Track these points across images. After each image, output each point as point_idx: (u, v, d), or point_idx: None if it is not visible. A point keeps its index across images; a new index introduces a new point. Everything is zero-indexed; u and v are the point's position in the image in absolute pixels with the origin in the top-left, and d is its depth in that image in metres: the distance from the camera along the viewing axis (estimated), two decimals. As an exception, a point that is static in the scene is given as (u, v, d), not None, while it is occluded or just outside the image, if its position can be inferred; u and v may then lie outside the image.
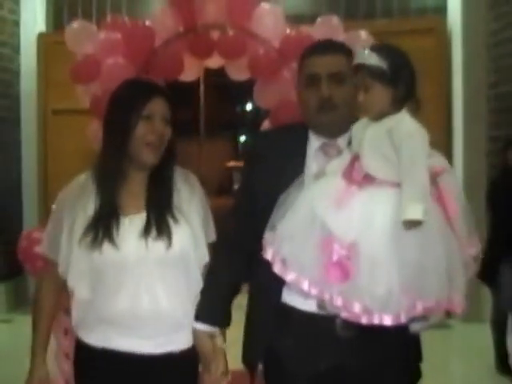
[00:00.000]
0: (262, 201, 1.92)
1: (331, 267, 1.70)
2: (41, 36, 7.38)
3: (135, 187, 2.09)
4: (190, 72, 4.73)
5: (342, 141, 1.97)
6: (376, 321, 1.71)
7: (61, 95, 6.76)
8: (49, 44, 7.22)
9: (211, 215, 2.19)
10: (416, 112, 1.81)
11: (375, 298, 1.68)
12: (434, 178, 1.76)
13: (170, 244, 2.01)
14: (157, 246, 2.01)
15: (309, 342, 1.92)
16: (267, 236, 1.82)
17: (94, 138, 4.30)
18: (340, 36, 4.41)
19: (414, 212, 1.65)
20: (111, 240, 2.00)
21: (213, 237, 2.17)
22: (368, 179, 1.75)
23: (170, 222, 2.04)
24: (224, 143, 9.47)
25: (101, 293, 2.03)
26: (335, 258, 1.69)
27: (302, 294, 1.79)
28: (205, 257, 2.11)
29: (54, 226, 2.11)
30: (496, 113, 6.50)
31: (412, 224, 1.65)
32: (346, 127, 1.94)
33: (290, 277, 1.77)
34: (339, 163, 1.84)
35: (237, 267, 2.05)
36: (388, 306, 1.69)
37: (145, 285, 2.01)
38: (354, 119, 1.90)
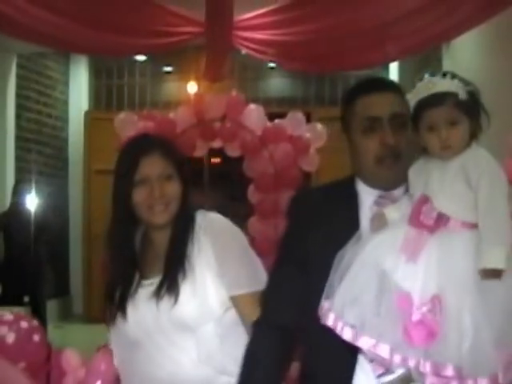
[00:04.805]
0: (314, 269, 1.61)
1: (413, 328, 1.41)
2: (87, 113, 9.46)
3: (159, 249, 1.92)
4: (200, 151, 6.76)
5: (398, 192, 1.66)
6: None
7: (102, 158, 8.13)
8: (92, 119, 9.30)
9: (233, 259, 1.89)
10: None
11: (465, 357, 1.38)
12: None
13: (175, 302, 1.81)
14: (164, 305, 1.84)
15: None
16: (324, 304, 1.51)
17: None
18: (303, 127, 6.47)
19: (495, 259, 1.38)
20: (132, 302, 1.89)
21: (239, 287, 1.88)
22: (441, 222, 1.48)
23: (179, 277, 1.83)
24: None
25: (141, 365, 1.88)
26: (416, 317, 1.41)
27: (380, 364, 1.49)
28: (215, 312, 1.87)
29: None
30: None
31: (492, 273, 1.38)
32: (404, 177, 1.61)
33: (366, 343, 1.44)
34: (399, 208, 1.58)
35: (281, 365, 1.71)
36: (481, 366, 1.38)
37: (164, 350, 1.85)
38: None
